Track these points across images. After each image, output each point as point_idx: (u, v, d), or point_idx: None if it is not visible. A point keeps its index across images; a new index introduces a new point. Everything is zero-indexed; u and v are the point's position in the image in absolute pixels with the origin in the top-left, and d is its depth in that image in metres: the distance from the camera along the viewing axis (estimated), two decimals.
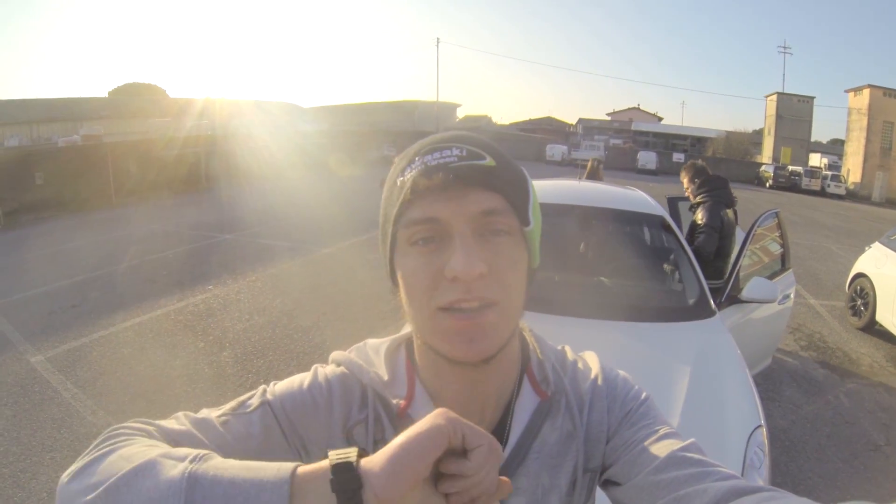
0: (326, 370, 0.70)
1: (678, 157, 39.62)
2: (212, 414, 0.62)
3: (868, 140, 36.58)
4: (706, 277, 3.72)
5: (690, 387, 2.25)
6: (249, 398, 0.65)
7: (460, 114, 57.90)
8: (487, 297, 0.58)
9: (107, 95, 36.35)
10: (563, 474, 0.70)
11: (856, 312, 6.94)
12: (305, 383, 0.68)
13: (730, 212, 4.45)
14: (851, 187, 35.81)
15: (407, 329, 0.73)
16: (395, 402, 0.67)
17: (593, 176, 6.08)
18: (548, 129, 55.54)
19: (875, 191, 35.84)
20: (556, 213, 3.40)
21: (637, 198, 4.01)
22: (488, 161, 0.61)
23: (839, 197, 33.28)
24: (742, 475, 1.91)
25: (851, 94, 38.99)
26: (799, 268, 10.15)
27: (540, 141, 41.83)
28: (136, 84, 39.81)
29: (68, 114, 28.73)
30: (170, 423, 0.59)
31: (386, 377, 0.69)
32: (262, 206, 12.85)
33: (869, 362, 5.82)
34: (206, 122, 24.12)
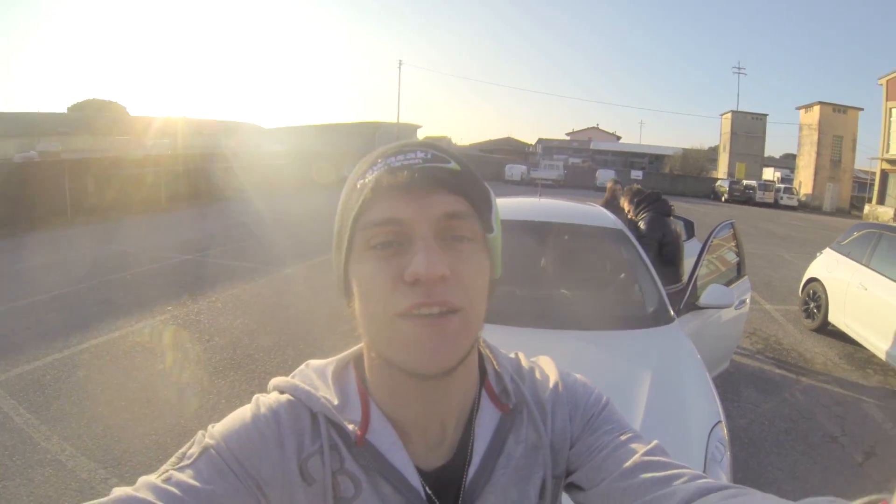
0: (269, 400, 0.63)
1: (636, 174, 40.70)
2: (151, 478, 0.55)
3: (819, 154, 38.19)
4: (668, 283, 3.88)
5: (652, 389, 2.33)
6: (188, 448, 0.58)
7: (420, 135, 58.13)
8: (450, 302, 0.55)
9: (66, 111, 35.44)
10: (531, 486, 0.68)
11: (809, 315, 7.21)
12: (248, 418, 0.61)
13: (679, 224, 4.77)
14: (803, 199, 37.25)
15: (355, 347, 0.71)
16: (350, 427, 0.61)
17: (612, 203, 6.05)
18: (507, 149, 56.04)
19: (826, 201, 37.37)
20: (517, 229, 3.47)
21: (596, 213, 4.14)
22: (453, 165, 0.60)
23: (792, 208, 34.58)
24: (704, 469, 1.98)
25: (803, 110, 40.71)
26: (754, 276, 10.48)
27: (499, 161, 42.26)
28: (97, 101, 38.90)
29: (25, 129, 27.87)
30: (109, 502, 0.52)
31: (336, 401, 0.63)
32: (223, 227, 12.69)
33: (823, 360, 6.05)
34: (166, 142, 23.78)
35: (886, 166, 29.83)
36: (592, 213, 4.13)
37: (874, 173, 32.12)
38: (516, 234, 3.44)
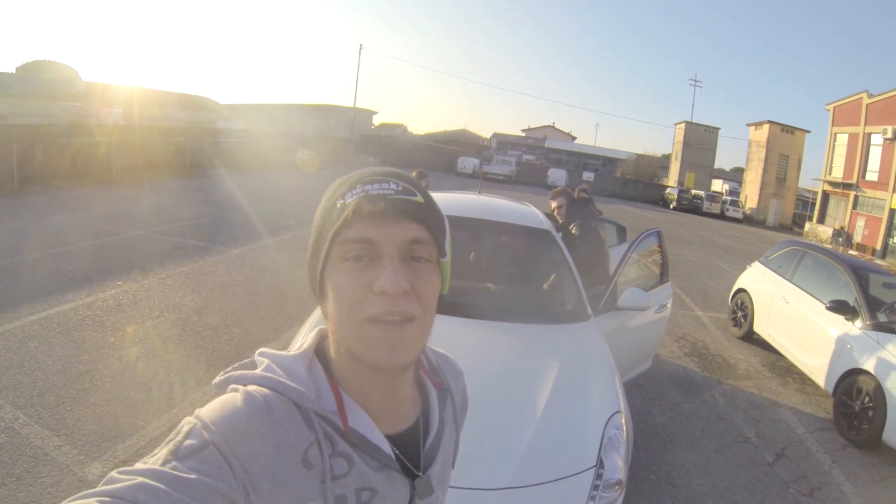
0: (259, 396, 0.67)
1: (588, 175, 41.41)
2: (154, 465, 0.58)
3: (765, 170, 39.67)
4: (592, 283, 4.13)
5: (558, 378, 2.59)
6: (186, 438, 0.61)
7: (376, 121, 57.50)
8: (408, 312, 0.67)
9: (14, 72, 33.45)
10: (450, 451, 0.88)
11: (736, 323, 7.67)
12: (243, 413, 0.65)
13: (611, 228, 5.05)
14: (748, 212, 38.71)
15: (303, 341, 0.80)
16: (337, 418, 0.71)
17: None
18: (462, 141, 55.39)
19: (770, 216, 38.95)
20: (451, 224, 3.68)
21: (528, 213, 4.38)
22: (419, 198, 0.71)
23: (737, 220, 35.92)
24: (600, 452, 2.24)
25: (753, 127, 42.18)
26: (691, 283, 11.02)
27: (453, 153, 42.40)
28: (47, 62, 36.81)
29: None
30: (125, 491, 0.54)
31: (313, 394, 0.71)
32: (176, 203, 12.50)
33: (745, 367, 6.44)
34: (120, 111, 22.95)
35: (828, 188, 31.27)
36: (524, 212, 4.36)
37: (817, 193, 33.59)
38: (450, 229, 3.66)
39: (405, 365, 0.70)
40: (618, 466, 2.25)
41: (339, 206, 0.70)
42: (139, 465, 0.58)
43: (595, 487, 2.15)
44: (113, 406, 3.81)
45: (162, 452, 0.60)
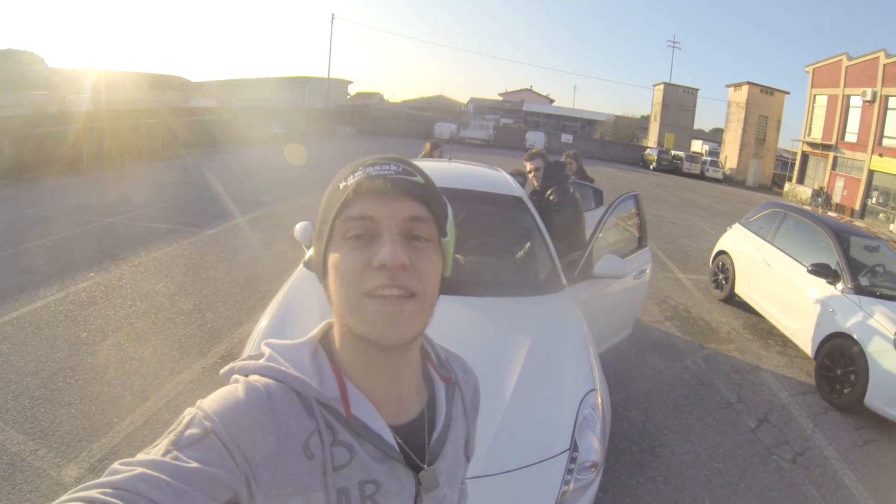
0: (260, 385, 0.68)
1: (567, 137, 41.43)
2: (156, 456, 0.58)
3: (745, 131, 39.74)
4: (569, 250, 4.02)
5: (529, 355, 2.49)
6: (186, 427, 0.62)
7: (352, 90, 56.81)
8: (408, 287, 0.67)
9: None
10: (461, 447, 0.87)
11: (718, 286, 7.73)
12: (244, 402, 0.65)
13: (587, 192, 4.92)
14: (728, 172, 38.88)
15: (315, 331, 0.79)
16: (339, 407, 0.71)
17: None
18: (439, 107, 55.08)
19: (749, 176, 39.17)
20: None
21: (499, 179, 4.24)
22: (419, 178, 0.72)
23: (717, 181, 36.09)
24: (574, 432, 2.18)
25: (732, 88, 42.09)
26: (671, 245, 11.07)
27: (430, 119, 41.87)
28: (11, 51, 35.61)
29: None
30: (127, 482, 0.54)
31: (316, 383, 0.71)
32: (146, 187, 12.22)
33: (727, 330, 6.50)
34: (87, 96, 22.32)
35: (807, 149, 31.41)
36: (495, 178, 4.23)
37: (796, 154, 33.76)
38: None
39: (404, 341, 0.69)
40: (593, 448, 2.19)
41: (341, 187, 0.71)
42: (140, 456, 0.58)
43: (569, 471, 2.09)
44: (87, 404, 3.74)
45: (163, 443, 0.60)
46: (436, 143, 6.81)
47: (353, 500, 0.68)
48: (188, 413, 0.64)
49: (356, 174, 0.71)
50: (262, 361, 0.72)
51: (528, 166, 4.86)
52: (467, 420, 0.89)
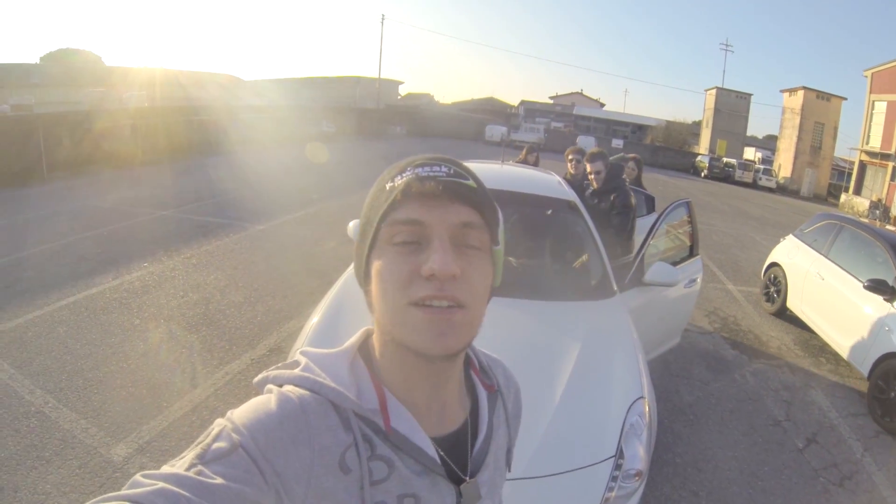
0: (294, 396, 0.65)
1: (617, 142, 40.83)
2: (179, 470, 0.56)
3: (799, 138, 38.46)
4: (621, 255, 3.96)
5: (578, 360, 2.47)
6: (214, 440, 0.59)
7: (402, 91, 57.33)
8: (457, 298, 0.63)
9: (38, 62, 34.07)
10: (502, 457, 0.83)
11: (769, 299, 7.47)
12: (276, 415, 0.62)
13: (639, 197, 4.91)
14: (782, 181, 37.68)
15: (354, 338, 0.76)
16: (378, 420, 0.68)
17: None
18: (489, 109, 54.90)
19: (804, 186, 37.85)
20: None
21: (550, 182, 4.21)
22: (471, 182, 0.68)
23: (770, 190, 34.98)
24: (620, 440, 2.15)
25: (787, 94, 40.81)
26: (722, 255, 10.77)
27: (480, 121, 41.73)
28: (70, 50, 37.34)
29: None
30: (146, 496, 0.53)
31: (354, 393, 0.68)
32: (199, 182, 12.61)
33: (777, 345, 6.27)
34: (143, 93, 23.19)
35: (865, 158, 30.16)
36: (547, 182, 4.20)
37: (853, 163, 32.49)
38: None
39: (452, 352, 0.65)
40: (639, 456, 2.16)
41: (387, 188, 0.68)
42: (165, 469, 0.57)
43: (614, 478, 2.07)
44: (138, 388, 3.88)
45: (189, 456, 0.58)
46: (531, 148, 6.82)
47: None
48: (217, 425, 0.61)
49: (405, 174, 0.67)
50: (297, 371, 0.69)
51: (589, 167, 4.75)
52: (509, 429, 0.86)
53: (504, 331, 2.57)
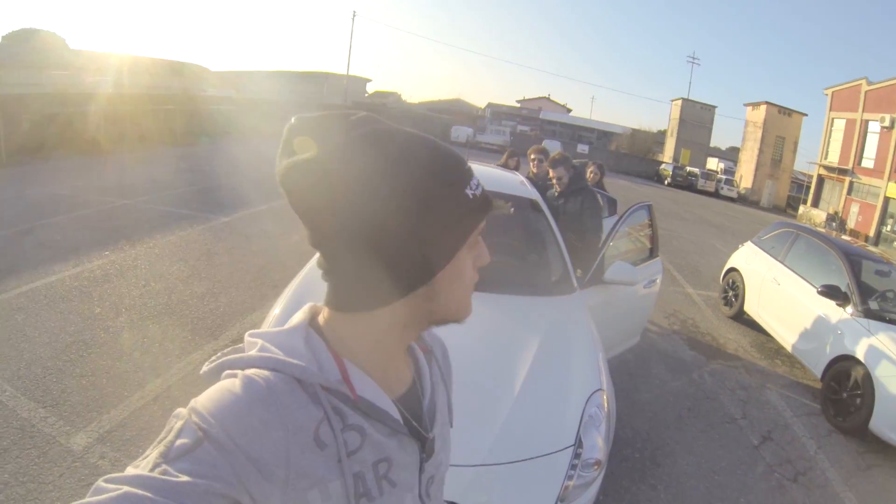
0: (259, 379, 0.63)
1: (583, 147, 41.41)
2: (143, 471, 0.55)
3: (761, 151, 39.61)
4: (594, 254, 4.04)
5: (538, 352, 2.53)
6: (178, 436, 0.57)
7: (370, 89, 57.00)
8: None
9: (0, 41, 32.77)
10: (445, 413, 0.88)
11: (727, 302, 7.70)
12: (244, 399, 0.61)
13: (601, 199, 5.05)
14: (743, 192, 38.72)
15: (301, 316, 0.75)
16: (344, 389, 0.68)
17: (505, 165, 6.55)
18: (456, 110, 54.84)
19: (764, 197, 38.99)
20: None
21: (513, 181, 4.33)
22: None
23: (731, 199, 35.91)
24: (579, 429, 2.20)
25: (750, 107, 41.96)
26: (682, 260, 11.04)
27: (447, 122, 41.75)
28: (33, 30, 35.96)
29: None
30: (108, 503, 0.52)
31: (316, 367, 0.68)
32: (163, 172, 12.35)
33: (735, 347, 6.46)
34: (108, 79, 22.52)
35: (823, 172, 31.21)
36: (511, 181, 4.31)
37: (812, 176, 33.56)
38: None
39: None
40: (597, 446, 2.21)
41: (470, 196, 0.70)
42: (129, 471, 0.55)
43: (573, 467, 2.11)
44: (98, 377, 3.80)
45: (153, 455, 0.56)
46: (513, 153, 6.86)
47: (369, 482, 0.68)
48: (179, 417, 0.60)
49: (474, 186, 0.72)
50: (255, 353, 0.67)
51: (552, 172, 4.82)
52: (446, 386, 0.91)
53: (467, 322, 2.64)
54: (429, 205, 0.66)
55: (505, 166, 6.44)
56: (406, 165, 0.66)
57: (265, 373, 0.64)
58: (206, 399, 0.61)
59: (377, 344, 0.72)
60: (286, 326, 0.72)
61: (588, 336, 2.86)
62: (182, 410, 0.60)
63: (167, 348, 4.31)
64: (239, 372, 0.65)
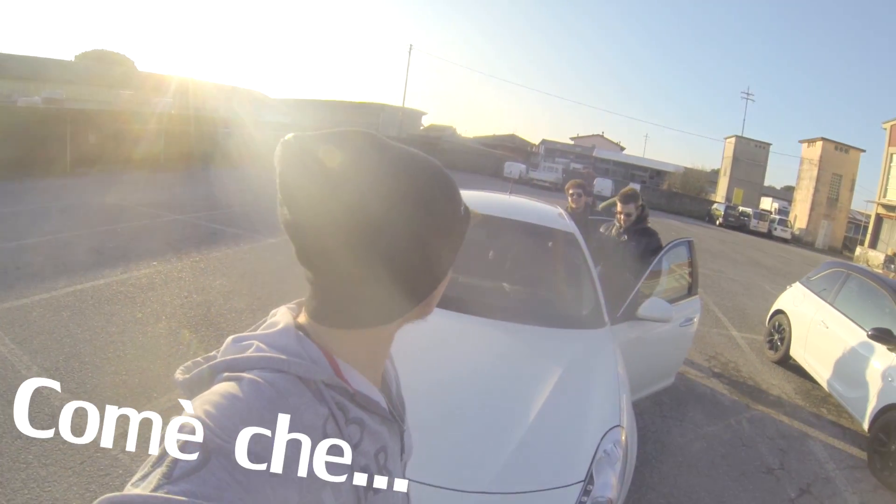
0: (262, 382, 0.61)
1: (635, 186, 40.69)
2: (145, 488, 0.51)
3: (816, 189, 38.33)
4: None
5: (558, 383, 2.47)
6: (182, 452, 0.53)
7: (426, 122, 57.75)
8: None
9: (73, 59, 35.04)
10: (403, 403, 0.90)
11: (773, 346, 7.37)
12: (253, 404, 0.59)
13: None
14: (797, 232, 37.40)
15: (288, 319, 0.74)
16: (343, 383, 0.69)
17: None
18: (510, 146, 54.97)
19: (819, 238, 37.57)
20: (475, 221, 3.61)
21: (552, 213, 4.29)
22: None
23: (785, 241, 34.74)
24: (591, 466, 2.11)
25: (805, 144, 40.83)
26: (729, 301, 10.69)
27: (500, 157, 42.27)
28: (105, 52, 38.34)
29: (31, 73, 27.36)
30: None
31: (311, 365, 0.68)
32: (216, 192, 12.79)
33: (778, 393, 6.16)
34: (172, 101, 23.68)
35: (882, 211, 29.99)
36: (548, 213, 4.27)
37: (869, 216, 32.31)
38: (473, 227, 3.60)
39: None
40: (610, 484, 2.12)
41: (463, 214, 0.75)
42: (128, 490, 0.51)
43: (581, 503, 2.03)
44: (131, 376, 3.96)
45: (155, 474, 0.52)
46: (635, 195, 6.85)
47: (373, 474, 0.69)
48: (184, 428, 0.54)
49: (462, 204, 0.75)
50: (251, 353, 0.65)
51: (620, 207, 4.80)
52: (397, 377, 0.91)
53: (489, 350, 2.69)
54: (437, 216, 0.68)
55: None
56: (419, 180, 0.67)
57: (268, 374, 0.63)
58: (211, 407, 0.57)
59: (372, 353, 0.74)
60: (273, 329, 0.70)
61: (612, 371, 2.78)
62: (184, 420, 0.55)
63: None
64: (245, 375, 0.62)
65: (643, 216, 4.87)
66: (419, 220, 0.66)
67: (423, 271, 0.69)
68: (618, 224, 4.84)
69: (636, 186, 40.64)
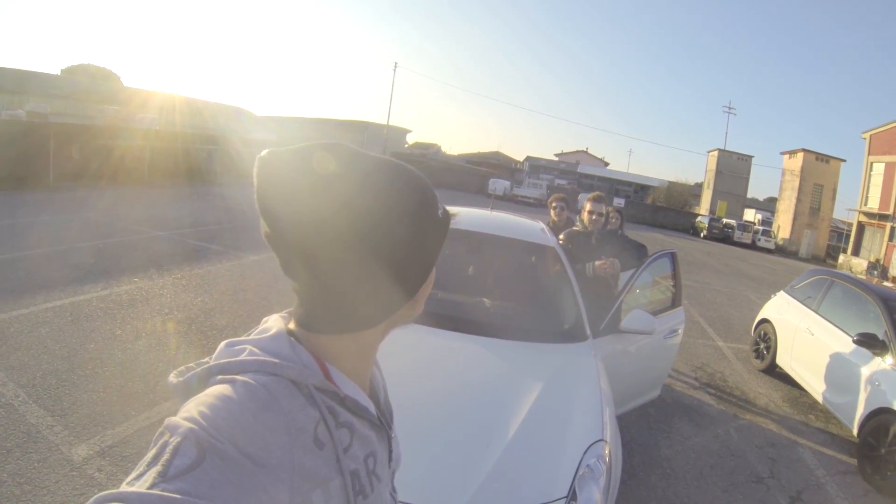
0: (256, 384, 0.62)
1: (619, 201, 41.35)
2: (141, 486, 0.51)
3: (799, 200, 38.86)
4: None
5: (539, 398, 2.41)
6: (176, 455, 0.53)
7: (410, 139, 58.11)
8: None
9: (59, 73, 34.79)
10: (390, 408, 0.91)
11: (759, 355, 7.37)
12: (248, 406, 0.60)
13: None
14: (781, 242, 37.84)
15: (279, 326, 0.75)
16: (335, 388, 0.70)
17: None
18: (494, 163, 55.85)
19: (803, 247, 38.04)
20: (454, 237, 3.54)
21: (534, 229, 4.28)
22: None
23: (769, 251, 35.13)
24: (573, 481, 2.06)
25: (787, 155, 41.46)
26: (714, 312, 10.73)
27: (485, 174, 42.74)
28: (91, 66, 38.29)
29: (16, 87, 27.00)
30: None
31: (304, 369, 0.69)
32: (201, 209, 12.78)
33: (765, 401, 6.14)
34: (157, 117, 23.54)
35: (864, 219, 30.42)
36: (529, 228, 4.27)
37: (851, 224, 32.75)
38: (452, 242, 3.55)
39: None
40: (594, 500, 2.05)
41: (441, 216, 0.74)
42: (124, 488, 0.51)
43: None
44: (109, 394, 3.89)
45: (150, 473, 0.52)
46: (617, 209, 6.89)
47: (363, 479, 0.70)
48: (177, 431, 0.55)
49: (440, 207, 0.75)
50: (244, 357, 0.66)
51: (589, 206, 4.65)
52: (384, 382, 0.92)
53: (468, 366, 2.66)
54: (416, 217, 0.70)
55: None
56: (395, 184, 0.69)
57: (261, 377, 0.64)
58: (205, 408, 0.58)
59: (359, 359, 0.76)
60: (266, 334, 0.71)
61: (594, 385, 2.72)
62: (177, 422, 0.56)
63: None
64: (238, 378, 0.63)
65: (619, 225, 4.91)
66: (399, 222, 0.67)
67: (406, 272, 0.70)
68: (582, 224, 4.66)
69: (620, 202, 41.10)
